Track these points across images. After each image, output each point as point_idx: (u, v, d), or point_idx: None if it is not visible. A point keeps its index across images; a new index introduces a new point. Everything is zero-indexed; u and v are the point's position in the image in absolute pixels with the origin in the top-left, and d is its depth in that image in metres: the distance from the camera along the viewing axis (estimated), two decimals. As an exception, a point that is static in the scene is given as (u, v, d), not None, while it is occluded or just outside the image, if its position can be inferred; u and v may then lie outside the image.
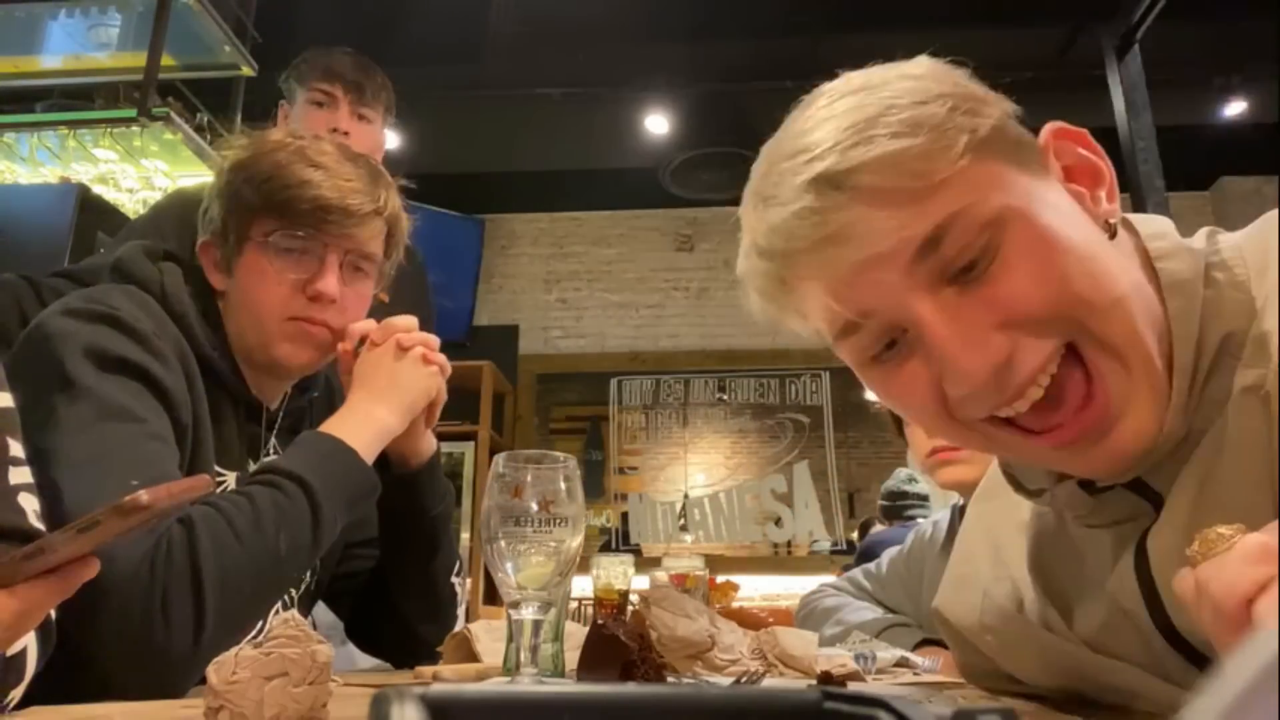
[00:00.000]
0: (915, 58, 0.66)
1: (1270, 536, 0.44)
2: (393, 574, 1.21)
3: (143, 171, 3.23)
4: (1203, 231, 0.68)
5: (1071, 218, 0.61)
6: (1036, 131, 0.66)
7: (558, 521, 0.76)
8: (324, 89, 1.87)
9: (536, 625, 0.76)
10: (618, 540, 5.50)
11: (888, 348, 0.63)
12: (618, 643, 0.77)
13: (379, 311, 1.15)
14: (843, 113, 0.61)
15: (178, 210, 1.66)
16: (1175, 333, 0.61)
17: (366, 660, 1.34)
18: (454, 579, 1.24)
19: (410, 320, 1.12)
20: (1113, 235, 0.64)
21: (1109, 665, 0.67)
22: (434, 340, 1.13)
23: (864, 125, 0.59)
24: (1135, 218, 0.68)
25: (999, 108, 0.63)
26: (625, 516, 5.58)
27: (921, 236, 0.58)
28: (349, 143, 1.73)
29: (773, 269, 0.64)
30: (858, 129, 0.59)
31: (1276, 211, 0.65)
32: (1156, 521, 0.63)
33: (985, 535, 0.84)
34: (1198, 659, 0.62)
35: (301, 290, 1.05)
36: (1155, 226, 0.67)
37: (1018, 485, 0.75)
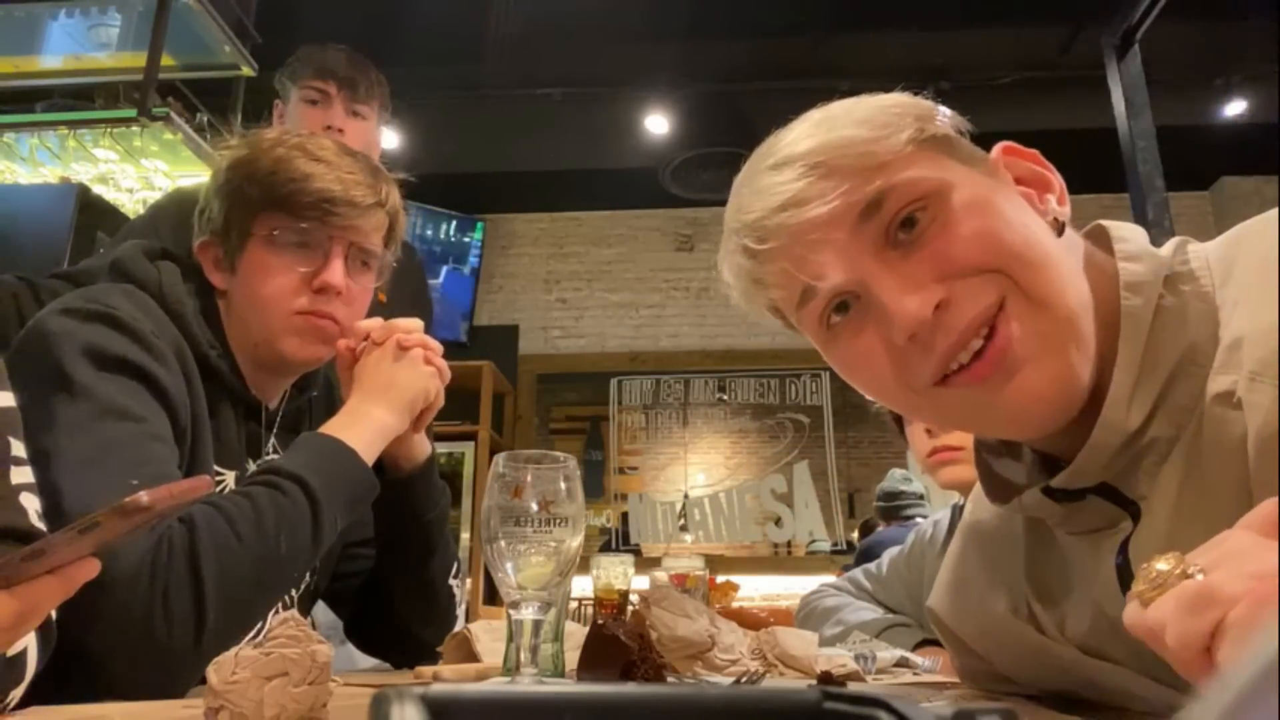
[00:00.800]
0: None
1: (1207, 562, 0.43)
2: (390, 577, 1.20)
3: (143, 171, 3.23)
4: (1172, 242, 0.70)
5: (1014, 203, 0.67)
6: (1030, 140, 0.72)
7: (558, 521, 0.76)
8: (317, 86, 1.86)
9: (536, 625, 0.76)
10: (618, 540, 5.50)
11: (839, 311, 0.68)
12: (618, 643, 0.77)
13: (377, 311, 1.15)
14: (810, 120, 0.70)
15: (175, 210, 1.66)
16: (1124, 328, 0.63)
17: (367, 660, 1.34)
18: (452, 581, 1.24)
19: (413, 322, 1.12)
20: (1060, 233, 0.68)
21: (1102, 668, 0.68)
22: (436, 345, 1.13)
23: (825, 122, 0.69)
24: (1109, 223, 0.71)
25: (953, 122, 0.70)
26: (625, 516, 5.58)
27: (865, 199, 0.65)
28: (343, 140, 1.72)
29: (744, 245, 0.69)
30: (819, 125, 0.69)
31: (1249, 223, 0.67)
32: (1136, 529, 0.64)
33: (980, 544, 0.84)
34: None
35: (308, 284, 1.05)
36: (1125, 231, 0.70)
37: (991, 494, 0.76)
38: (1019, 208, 0.67)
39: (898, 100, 0.70)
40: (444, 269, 5.72)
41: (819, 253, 0.66)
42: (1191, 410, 0.61)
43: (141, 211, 2.97)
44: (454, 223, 5.74)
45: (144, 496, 0.47)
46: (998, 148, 0.71)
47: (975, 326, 0.63)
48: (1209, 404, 0.60)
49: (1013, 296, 0.63)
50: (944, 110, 0.70)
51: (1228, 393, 0.59)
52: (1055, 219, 0.68)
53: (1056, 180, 0.71)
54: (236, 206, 1.06)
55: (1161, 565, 0.45)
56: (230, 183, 1.07)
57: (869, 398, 0.73)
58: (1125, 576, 0.64)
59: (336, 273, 1.05)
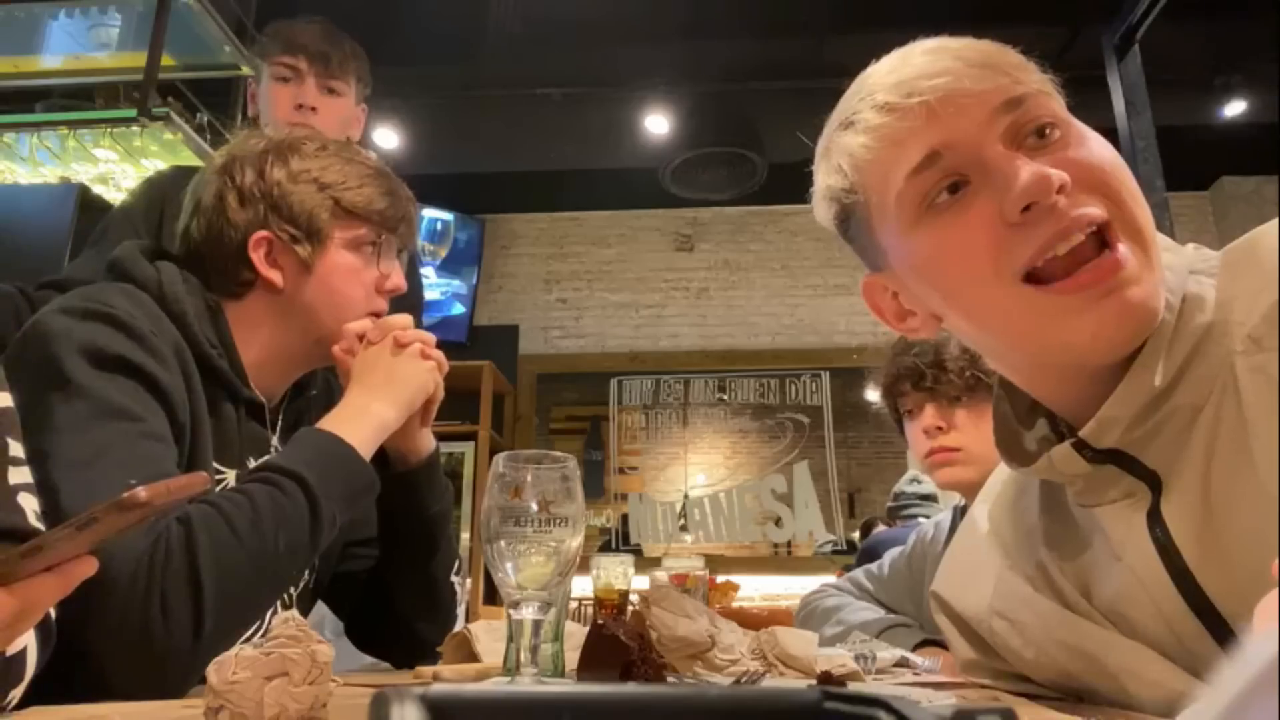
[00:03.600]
0: None
1: None
2: (392, 573, 1.21)
3: (142, 171, 3.22)
4: (1191, 245, 0.75)
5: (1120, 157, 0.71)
6: None
7: (558, 521, 0.76)
8: (287, 62, 1.76)
9: (536, 625, 0.76)
10: (618, 540, 5.50)
11: (951, 192, 0.70)
12: (618, 643, 0.77)
13: None
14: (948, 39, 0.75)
15: (143, 204, 1.67)
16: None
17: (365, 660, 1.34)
18: (453, 578, 1.24)
19: (406, 318, 1.13)
20: None
21: (1117, 642, 0.69)
22: (431, 338, 1.13)
23: (972, 41, 0.73)
24: None
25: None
26: (625, 517, 5.58)
27: (1009, 94, 0.69)
28: (316, 119, 1.73)
29: (884, 102, 0.71)
30: (966, 41, 0.73)
31: (1260, 229, 0.70)
32: (1165, 494, 0.67)
33: (994, 534, 0.86)
34: (1215, 625, 0.64)
35: (376, 288, 1.15)
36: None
37: (1013, 459, 0.78)
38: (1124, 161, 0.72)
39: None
40: (444, 269, 5.72)
41: (957, 121, 0.69)
42: (1214, 381, 0.65)
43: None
44: (454, 223, 5.74)
45: (142, 492, 0.47)
46: None
47: (1083, 223, 0.65)
48: (1244, 373, 0.63)
49: (1119, 224, 0.66)
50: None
51: (1263, 366, 0.62)
52: None
53: None
54: (313, 211, 1.09)
55: None
56: (295, 186, 1.09)
57: (949, 290, 0.73)
58: (1168, 551, 0.66)
59: (401, 277, 1.16)
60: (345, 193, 1.10)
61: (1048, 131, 0.69)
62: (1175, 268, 0.69)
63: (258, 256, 1.08)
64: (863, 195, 0.75)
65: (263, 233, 1.07)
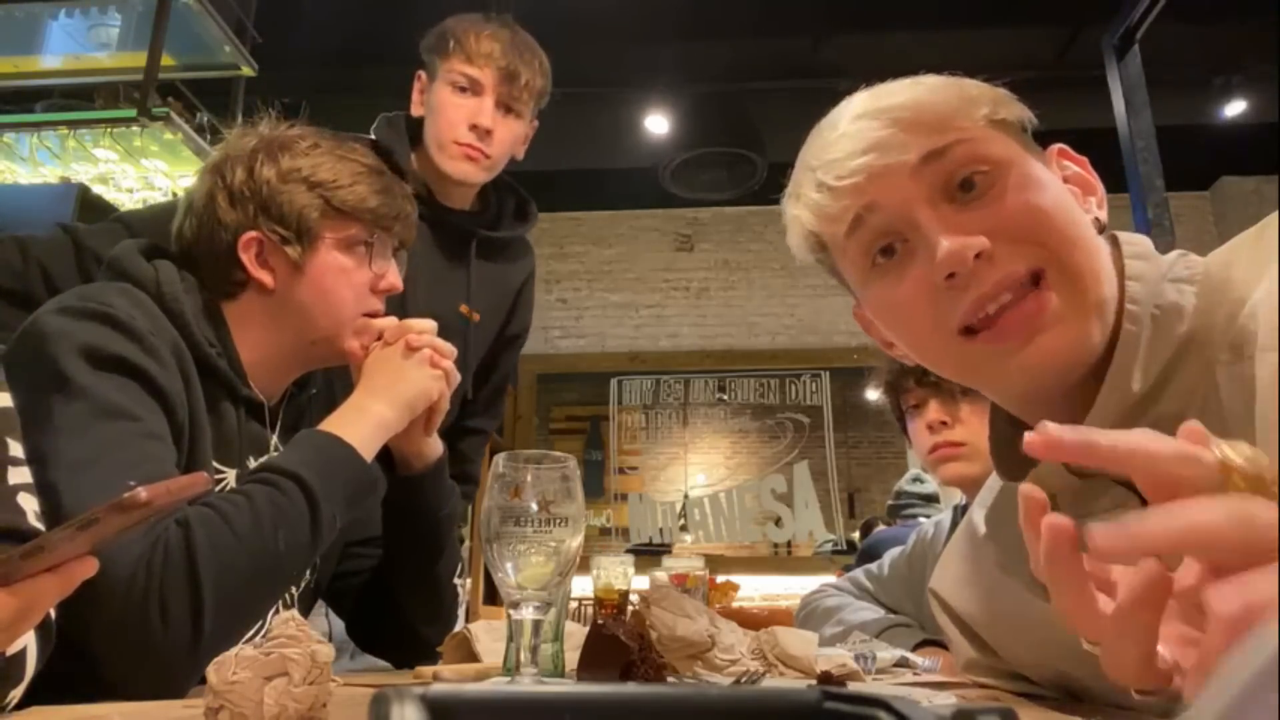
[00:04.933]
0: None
1: None
2: (397, 574, 1.21)
3: (143, 171, 3.23)
4: (1174, 252, 0.75)
5: (1064, 191, 0.72)
6: (1041, 139, 0.76)
7: (558, 521, 0.76)
8: (470, 74, 1.58)
9: (536, 625, 0.76)
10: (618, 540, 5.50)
11: (885, 254, 0.72)
12: (618, 643, 0.77)
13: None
14: (898, 83, 0.75)
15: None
16: (1127, 313, 0.68)
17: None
18: (456, 580, 1.25)
19: (426, 323, 1.13)
20: (1100, 233, 0.72)
21: None
22: (446, 347, 1.13)
23: (913, 85, 0.74)
24: (1120, 234, 0.75)
25: (1021, 111, 0.75)
26: (626, 518, 5.58)
27: (931, 146, 0.70)
28: (491, 142, 1.59)
29: (819, 181, 0.73)
30: (908, 86, 0.74)
31: (1243, 234, 0.70)
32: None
33: (990, 538, 0.86)
34: None
35: (371, 287, 1.12)
36: (1133, 238, 0.75)
37: (1005, 473, 0.79)
38: (1067, 196, 0.72)
39: (977, 83, 0.76)
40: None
41: (878, 185, 0.70)
42: (1197, 390, 0.65)
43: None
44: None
45: (142, 492, 0.47)
46: (1052, 149, 0.77)
47: (1007, 283, 0.67)
48: (1219, 383, 0.64)
49: (1051, 270, 0.67)
50: (1016, 101, 0.76)
51: (1240, 370, 0.63)
52: (1096, 219, 0.74)
53: (1099, 187, 0.77)
54: (303, 210, 1.07)
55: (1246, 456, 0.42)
56: (281, 187, 1.07)
57: (899, 346, 0.77)
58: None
59: (397, 276, 1.14)
60: (336, 191, 1.08)
61: (976, 181, 0.69)
62: (1147, 277, 0.69)
63: (248, 257, 1.06)
64: (826, 249, 0.79)
65: (252, 233, 1.06)
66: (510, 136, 1.64)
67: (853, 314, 0.85)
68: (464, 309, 1.68)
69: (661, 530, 5.54)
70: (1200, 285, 0.69)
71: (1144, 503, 0.67)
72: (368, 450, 1.02)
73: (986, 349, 0.68)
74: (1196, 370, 0.66)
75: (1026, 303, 0.67)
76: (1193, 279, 0.70)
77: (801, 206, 0.76)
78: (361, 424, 1.03)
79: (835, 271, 0.81)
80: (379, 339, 1.11)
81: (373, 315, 1.12)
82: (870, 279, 0.75)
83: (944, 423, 1.48)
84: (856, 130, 0.72)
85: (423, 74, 1.68)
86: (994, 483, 0.92)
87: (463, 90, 1.59)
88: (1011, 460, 0.79)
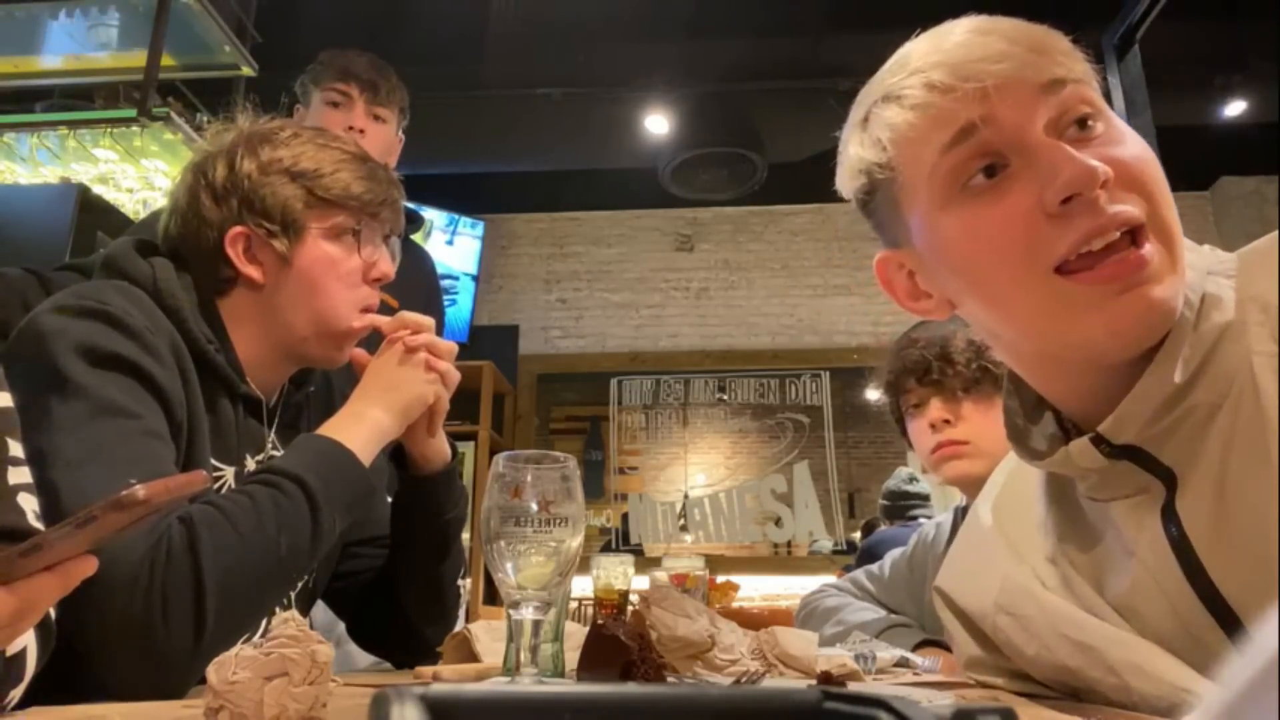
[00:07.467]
0: None
1: None
2: (402, 574, 1.21)
3: (143, 171, 3.23)
4: (1206, 246, 0.75)
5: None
6: None
7: (558, 521, 0.76)
8: (339, 88, 1.90)
9: (536, 625, 0.76)
10: (618, 540, 5.50)
11: (987, 175, 0.68)
12: (618, 643, 0.77)
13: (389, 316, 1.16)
14: (991, 18, 0.73)
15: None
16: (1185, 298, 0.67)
17: (365, 660, 1.34)
18: (459, 581, 1.25)
19: (425, 320, 1.13)
20: None
21: (1123, 638, 0.69)
22: (444, 346, 1.13)
23: (1023, 23, 0.72)
24: None
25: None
26: (625, 516, 5.58)
27: (1055, 74, 0.68)
28: (364, 141, 1.77)
29: (929, 80, 0.70)
30: (1006, 19, 0.72)
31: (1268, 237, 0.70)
32: (1180, 491, 0.68)
33: (998, 529, 0.86)
34: (1229, 621, 0.65)
35: (364, 275, 1.11)
36: None
37: (1028, 451, 0.78)
38: None
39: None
40: (444, 269, 5.71)
41: (1008, 101, 0.67)
42: (1232, 379, 0.65)
43: (142, 212, 2.97)
44: (453, 222, 5.74)
45: (140, 490, 0.46)
46: None
47: (1119, 222, 0.65)
48: (1256, 373, 0.64)
49: (1151, 224, 0.66)
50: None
51: (1273, 361, 0.63)
52: None
53: None
54: (287, 202, 1.06)
55: None
56: (263, 179, 1.06)
57: (975, 276, 0.72)
58: (1183, 547, 0.67)
59: (388, 263, 1.13)
60: (319, 180, 1.07)
61: (1090, 123, 0.68)
62: (1196, 267, 0.69)
63: (235, 253, 1.06)
64: (896, 171, 0.74)
65: (238, 229, 1.06)
66: (380, 140, 1.90)
67: (876, 263, 0.81)
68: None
69: (660, 531, 5.54)
70: (1237, 279, 0.69)
71: (1168, 491, 0.67)
72: (366, 456, 1.02)
73: (1082, 289, 0.65)
74: (1233, 360, 0.66)
75: (1131, 251, 0.65)
76: (1227, 272, 0.70)
77: (902, 108, 0.70)
78: (361, 430, 1.03)
79: (877, 212, 0.77)
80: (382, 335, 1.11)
81: (367, 306, 1.11)
82: (957, 200, 0.70)
83: (946, 421, 1.48)
84: (982, 41, 0.69)
85: (299, 107, 1.99)
86: (998, 476, 0.92)
87: (336, 105, 1.89)
88: (1026, 443, 0.79)
